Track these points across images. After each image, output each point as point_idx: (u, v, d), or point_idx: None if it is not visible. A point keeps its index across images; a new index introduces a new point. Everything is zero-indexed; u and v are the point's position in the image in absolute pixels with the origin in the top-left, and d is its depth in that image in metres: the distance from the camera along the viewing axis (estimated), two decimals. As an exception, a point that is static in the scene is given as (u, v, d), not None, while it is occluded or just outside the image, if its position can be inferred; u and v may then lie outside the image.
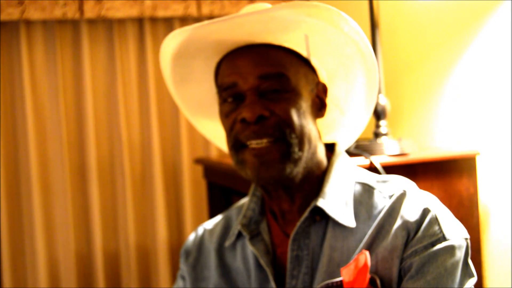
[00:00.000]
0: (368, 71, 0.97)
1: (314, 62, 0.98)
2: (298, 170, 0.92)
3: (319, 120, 1.00)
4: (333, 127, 1.07)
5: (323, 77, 1.01)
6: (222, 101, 0.95)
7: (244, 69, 0.92)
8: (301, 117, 0.92)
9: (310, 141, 0.93)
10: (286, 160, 0.90)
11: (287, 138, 0.90)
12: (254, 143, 0.90)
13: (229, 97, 0.94)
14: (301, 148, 0.91)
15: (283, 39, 0.93)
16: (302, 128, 0.92)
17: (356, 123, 1.06)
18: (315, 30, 0.92)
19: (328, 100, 1.02)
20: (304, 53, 0.95)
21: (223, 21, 0.90)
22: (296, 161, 0.91)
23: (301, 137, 0.91)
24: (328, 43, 0.95)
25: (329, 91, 1.02)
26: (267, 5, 0.97)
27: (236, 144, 0.93)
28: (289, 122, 0.90)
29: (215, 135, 1.14)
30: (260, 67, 0.91)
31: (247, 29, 0.90)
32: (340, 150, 1.02)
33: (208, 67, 1.01)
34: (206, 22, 0.91)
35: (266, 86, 0.91)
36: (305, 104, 0.93)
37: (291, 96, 0.92)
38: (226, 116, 0.95)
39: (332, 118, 1.06)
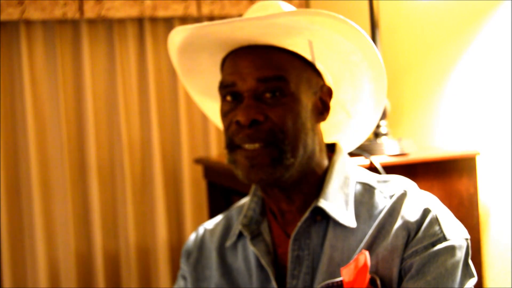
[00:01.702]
0: (375, 77, 0.97)
1: (319, 66, 0.98)
2: (290, 174, 0.92)
3: (324, 121, 1.00)
4: (340, 129, 1.07)
5: (328, 80, 1.00)
6: (222, 98, 0.96)
7: (244, 70, 0.92)
8: (297, 123, 0.92)
9: (305, 146, 0.93)
10: (276, 165, 0.90)
11: (279, 144, 0.90)
12: (246, 146, 0.91)
13: (228, 95, 0.94)
14: (293, 155, 0.91)
15: (286, 43, 0.93)
16: (296, 134, 0.91)
17: (363, 126, 1.06)
18: (319, 36, 0.92)
19: (334, 103, 1.02)
20: (308, 57, 0.95)
21: (222, 24, 0.90)
22: (287, 167, 0.91)
23: (295, 144, 0.91)
24: (333, 50, 0.94)
25: (335, 94, 1.01)
26: (278, 3, 0.97)
27: (230, 144, 0.94)
28: (283, 129, 0.90)
29: None
30: (259, 70, 0.91)
31: (248, 32, 0.90)
32: (341, 150, 1.02)
33: (213, 61, 1.01)
34: (206, 23, 0.91)
35: (264, 88, 0.91)
36: (304, 109, 0.93)
37: (288, 101, 0.91)
38: (224, 115, 0.96)
39: (338, 120, 1.05)
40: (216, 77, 1.02)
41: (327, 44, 0.93)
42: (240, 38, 0.92)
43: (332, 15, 0.88)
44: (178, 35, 0.98)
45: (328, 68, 0.98)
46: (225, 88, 0.94)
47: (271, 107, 0.91)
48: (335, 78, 1.01)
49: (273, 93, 0.91)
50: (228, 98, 0.94)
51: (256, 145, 0.90)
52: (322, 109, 0.98)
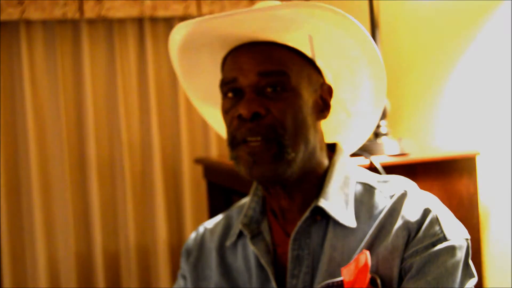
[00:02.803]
0: (375, 74, 0.97)
1: (319, 63, 0.98)
2: (292, 171, 0.92)
3: (325, 121, 1.00)
4: (340, 129, 1.07)
5: (328, 78, 1.00)
6: (224, 95, 0.96)
7: (245, 66, 0.92)
8: (298, 118, 0.92)
9: (306, 143, 0.93)
10: (278, 161, 0.91)
11: (280, 140, 0.90)
12: (248, 139, 0.91)
13: (229, 91, 0.94)
14: (294, 150, 0.91)
15: (286, 38, 0.93)
16: (297, 129, 0.91)
17: (364, 126, 1.06)
18: (320, 31, 0.92)
19: (334, 102, 1.02)
20: (308, 53, 0.95)
21: (224, 17, 0.90)
22: (289, 162, 0.91)
23: (295, 139, 0.91)
24: (333, 45, 0.94)
25: (335, 93, 1.01)
26: (277, 3, 0.97)
27: (232, 141, 0.94)
28: (283, 123, 0.90)
29: (223, 126, 1.14)
30: (261, 65, 0.91)
31: (249, 26, 0.90)
32: (341, 150, 1.02)
33: (214, 61, 1.02)
34: (207, 17, 0.92)
35: (266, 83, 0.91)
36: (305, 105, 0.93)
37: (290, 96, 0.92)
38: (226, 112, 0.96)
39: (338, 119, 1.05)
40: (216, 78, 1.02)
41: (326, 39, 0.93)
42: (241, 34, 0.93)
43: (331, 9, 0.88)
44: (179, 32, 0.98)
45: (328, 65, 0.99)
46: (226, 85, 0.94)
47: (272, 101, 0.91)
48: (335, 76, 1.01)
49: (274, 88, 0.91)
50: (230, 94, 0.94)
51: (258, 138, 0.90)
52: (322, 107, 0.98)
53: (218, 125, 1.15)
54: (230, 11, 0.90)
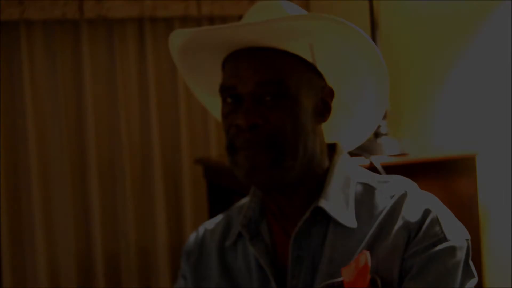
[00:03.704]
0: (377, 78, 0.97)
1: (321, 67, 0.98)
2: (291, 177, 0.92)
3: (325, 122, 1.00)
4: (341, 128, 1.07)
5: (330, 81, 1.00)
6: (223, 100, 0.96)
7: (244, 74, 0.92)
8: (297, 126, 0.91)
9: (305, 149, 0.93)
10: (277, 168, 0.90)
11: (278, 148, 0.90)
12: (246, 148, 0.91)
13: (228, 97, 0.94)
14: (293, 157, 0.91)
15: (286, 46, 0.93)
16: (296, 137, 0.91)
17: (365, 125, 1.06)
18: (320, 39, 0.92)
19: (336, 102, 1.02)
20: (309, 59, 0.95)
21: (219, 30, 0.90)
22: (287, 169, 0.91)
23: (294, 147, 0.91)
24: (334, 52, 0.94)
25: (337, 94, 1.01)
26: (279, 3, 0.97)
27: (230, 146, 0.94)
28: (282, 132, 0.90)
29: None
30: (259, 74, 0.91)
31: (247, 35, 0.90)
32: (341, 150, 1.02)
33: (215, 62, 1.01)
34: (204, 28, 0.92)
35: (264, 91, 0.91)
36: (304, 112, 0.93)
37: (288, 104, 0.91)
38: (225, 117, 0.96)
39: (340, 119, 1.05)
40: (218, 75, 1.02)
41: (327, 46, 0.93)
42: (240, 41, 0.92)
43: (332, 19, 0.88)
44: (177, 38, 0.98)
45: (329, 69, 0.98)
46: (225, 91, 0.94)
47: (271, 110, 0.91)
48: (336, 78, 1.00)
49: (273, 96, 0.91)
50: (229, 100, 0.94)
51: (256, 149, 0.90)
52: (323, 110, 0.98)
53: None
54: (226, 25, 0.89)
